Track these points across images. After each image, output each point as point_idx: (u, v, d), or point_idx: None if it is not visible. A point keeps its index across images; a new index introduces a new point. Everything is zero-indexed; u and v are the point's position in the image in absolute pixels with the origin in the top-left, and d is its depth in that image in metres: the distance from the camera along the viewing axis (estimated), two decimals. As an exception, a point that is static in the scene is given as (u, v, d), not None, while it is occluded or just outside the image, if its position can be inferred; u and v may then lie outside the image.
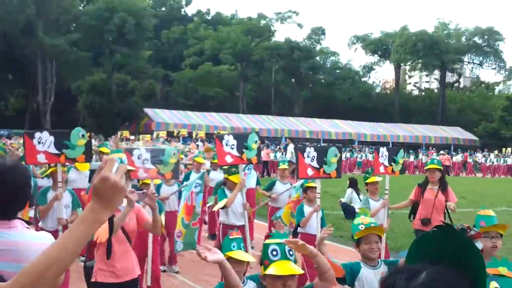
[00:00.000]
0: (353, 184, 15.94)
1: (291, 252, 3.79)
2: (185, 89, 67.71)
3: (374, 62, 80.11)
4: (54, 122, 55.87)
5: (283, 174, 12.12)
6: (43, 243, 3.29)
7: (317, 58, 73.88)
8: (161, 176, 7.80)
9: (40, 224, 8.42)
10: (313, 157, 8.16)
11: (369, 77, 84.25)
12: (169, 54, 72.41)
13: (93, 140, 25.33)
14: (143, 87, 57.02)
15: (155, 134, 35.94)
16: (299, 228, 8.76)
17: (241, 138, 8.69)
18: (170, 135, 38.26)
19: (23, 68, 60.69)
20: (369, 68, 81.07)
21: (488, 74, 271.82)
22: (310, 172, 8.16)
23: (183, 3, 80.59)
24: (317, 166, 8.17)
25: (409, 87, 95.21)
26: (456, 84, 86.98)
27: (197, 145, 28.92)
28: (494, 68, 78.14)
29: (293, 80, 73.31)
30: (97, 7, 60.26)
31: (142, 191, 5.92)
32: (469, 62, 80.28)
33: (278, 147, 42.80)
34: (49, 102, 56.42)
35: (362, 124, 62.35)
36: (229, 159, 8.60)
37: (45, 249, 1.94)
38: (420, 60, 74.91)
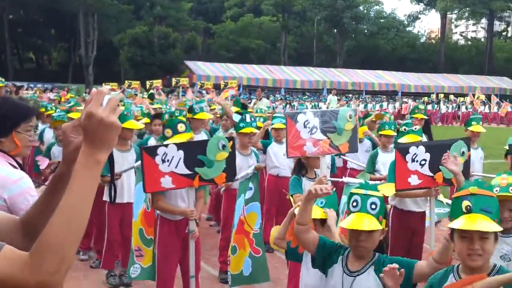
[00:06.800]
0: None
1: (373, 206, 3.32)
2: (226, 41, 67.23)
3: (419, 11, 78.20)
4: (97, 75, 56.40)
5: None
6: (6, 177, 3.15)
7: (361, 7, 72.46)
8: (334, 150, 5.58)
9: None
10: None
11: (414, 26, 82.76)
12: (209, 5, 71.84)
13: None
14: (184, 39, 56.89)
15: (198, 84, 32.64)
16: None
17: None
18: (217, 87, 32.37)
19: (65, 23, 61.07)
20: (414, 17, 79.36)
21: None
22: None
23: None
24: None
25: (455, 37, 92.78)
26: (504, 33, 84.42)
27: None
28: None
29: (335, 30, 72.09)
30: (138, -41, 59.86)
31: None
32: (518, 10, 77.63)
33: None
34: (92, 56, 56.74)
35: (406, 74, 61.21)
36: (414, 181, 5.37)
37: (51, 218, 1.58)
38: (467, 8, 72.57)
